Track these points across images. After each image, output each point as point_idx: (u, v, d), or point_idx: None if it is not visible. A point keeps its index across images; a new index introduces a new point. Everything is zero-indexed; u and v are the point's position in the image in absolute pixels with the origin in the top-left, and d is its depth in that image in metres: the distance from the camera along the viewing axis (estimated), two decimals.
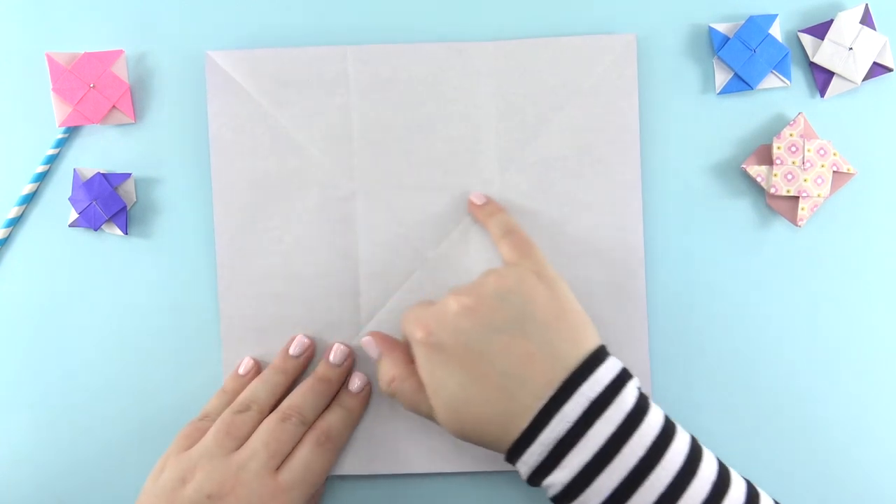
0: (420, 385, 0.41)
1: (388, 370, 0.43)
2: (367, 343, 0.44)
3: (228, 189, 0.47)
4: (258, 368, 0.46)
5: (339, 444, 0.44)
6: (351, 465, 0.46)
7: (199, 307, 0.47)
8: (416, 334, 0.40)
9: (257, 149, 0.47)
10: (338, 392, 0.46)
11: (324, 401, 0.45)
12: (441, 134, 0.47)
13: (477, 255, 0.47)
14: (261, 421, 0.43)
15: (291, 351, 0.46)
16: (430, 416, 0.41)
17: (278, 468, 0.42)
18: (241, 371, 0.46)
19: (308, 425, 0.43)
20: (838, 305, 0.47)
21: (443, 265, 0.47)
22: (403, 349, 0.43)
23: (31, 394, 0.47)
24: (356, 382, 0.46)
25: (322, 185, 0.47)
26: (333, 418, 0.44)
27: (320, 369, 0.45)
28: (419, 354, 0.41)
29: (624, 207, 0.47)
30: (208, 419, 0.43)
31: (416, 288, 0.47)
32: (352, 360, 0.46)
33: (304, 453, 0.42)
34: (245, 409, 0.43)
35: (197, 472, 0.41)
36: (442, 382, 0.40)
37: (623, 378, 0.39)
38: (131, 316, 0.47)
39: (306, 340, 0.46)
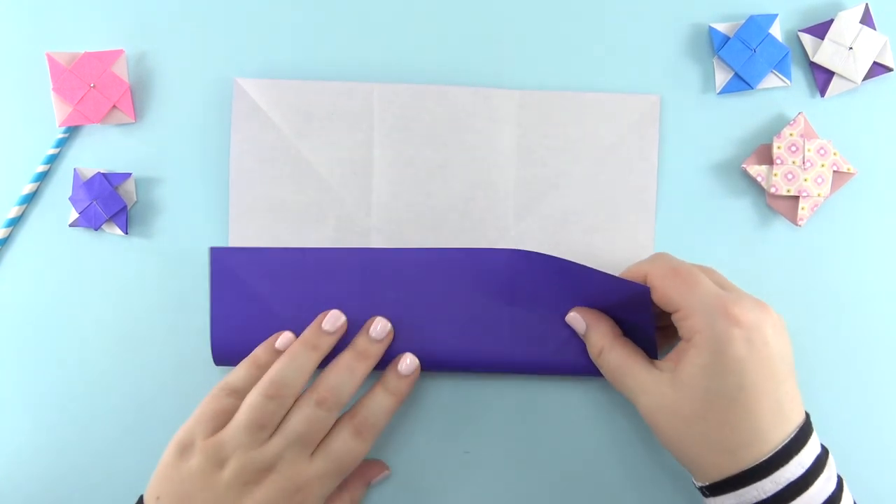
0: (625, 358, 0.42)
1: (597, 342, 0.43)
2: (572, 318, 0.44)
3: (246, 215, 0.47)
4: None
5: (377, 433, 0.43)
6: None
7: (199, 307, 0.47)
8: (735, 315, 0.38)
9: (277, 178, 0.46)
10: (379, 372, 0.44)
11: (360, 380, 0.43)
12: (460, 178, 0.47)
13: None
14: (291, 404, 0.41)
15: (325, 326, 0.44)
16: (632, 391, 0.41)
17: (313, 453, 0.41)
18: (278, 345, 0.44)
19: (343, 407, 0.42)
20: (838, 305, 0.48)
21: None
22: (608, 321, 0.43)
23: (30, 394, 0.47)
24: (406, 363, 0.44)
25: (339, 218, 0.47)
26: (375, 406, 0.43)
27: (360, 343, 0.44)
28: (720, 334, 0.38)
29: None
30: (235, 395, 0.42)
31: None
32: (391, 336, 0.44)
33: (341, 443, 0.42)
34: (276, 395, 0.41)
35: (231, 461, 0.40)
36: (721, 371, 0.38)
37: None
38: (131, 316, 0.47)
39: (343, 317, 0.44)
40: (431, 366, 0.45)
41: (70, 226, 0.47)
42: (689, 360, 0.39)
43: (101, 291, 0.47)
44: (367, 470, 0.46)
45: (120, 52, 0.47)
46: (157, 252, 0.47)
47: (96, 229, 0.47)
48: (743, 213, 0.48)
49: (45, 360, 0.47)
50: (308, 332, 0.44)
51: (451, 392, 0.47)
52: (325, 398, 0.41)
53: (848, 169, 0.46)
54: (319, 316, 0.44)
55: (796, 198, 0.46)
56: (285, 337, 0.44)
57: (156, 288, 0.47)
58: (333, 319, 0.44)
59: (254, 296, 0.45)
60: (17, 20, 0.47)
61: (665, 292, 0.40)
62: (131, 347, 0.47)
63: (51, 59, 0.46)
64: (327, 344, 0.43)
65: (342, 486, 0.44)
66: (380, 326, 0.44)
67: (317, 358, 0.43)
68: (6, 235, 0.47)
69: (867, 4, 0.47)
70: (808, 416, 0.40)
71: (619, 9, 0.48)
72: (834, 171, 0.46)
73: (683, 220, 0.47)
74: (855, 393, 0.47)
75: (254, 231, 0.47)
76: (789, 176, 0.46)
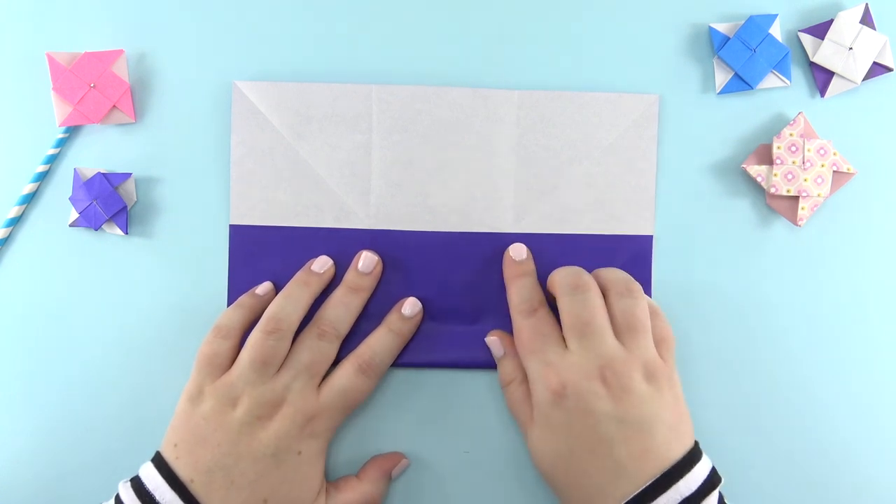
0: (522, 401, 0.43)
1: (509, 372, 0.44)
2: (492, 342, 0.45)
3: (245, 216, 0.47)
4: (274, 294, 0.46)
5: (381, 371, 0.45)
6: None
7: (199, 307, 0.47)
8: (550, 381, 0.40)
9: (277, 180, 0.47)
10: (382, 312, 0.46)
11: (355, 312, 0.45)
12: (459, 179, 0.47)
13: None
14: (291, 339, 0.43)
15: (314, 267, 0.46)
16: (524, 429, 0.43)
17: (319, 386, 0.43)
18: (259, 292, 0.46)
19: (342, 338, 0.44)
20: (838, 305, 0.48)
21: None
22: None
23: (31, 394, 0.47)
24: (409, 307, 0.46)
25: (338, 220, 0.47)
26: (379, 344, 0.45)
27: (350, 278, 0.45)
28: (543, 400, 0.41)
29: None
30: (228, 337, 0.44)
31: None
32: (380, 268, 0.46)
33: (345, 380, 0.43)
34: (275, 329, 0.43)
35: (243, 399, 0.42)
36: (553, 434, 0.41)
37: (713, 482, 0.40)
38: (131, 316, 0.47)
39: (330, 261, 0.46)
40: (436, 343, 0.46)
41: (70, 226, 0.47)
42: (531, 429, 0.42)
43: (101, 291, 0.47)
44: (384, 462, 0.46)
45: (120, 52, 0.47)
46: (157, 252, 0.47)
47: (96, 229, 0.47)
48: (743, 213, 0.48)
49: (45, 360, 0.47)
50: (300, 273, 0.46)
51: (450, 392, 0.47)
52: (324, 331, 0.44)
53: (848, 169, 0.46)
54: (310, 260, 0.46)
55: (796, 198, 0.46)
56: (264, 285, 0.46)
57: (155, 288, 0.47)
58: (322, 262, 0.46)
59: (267, 271, 0.47)
60: (17, 20, 0.47)
61: (519, 358, 0.43)
62: (131, 347, 0.47)
63: (51, 59, 0.46)
64: (318, 282, 0.45)
65: (361, 478, 0.45)
66: (367, 260, 0.46)
67: (309, 294, 0.45)
68: (6, 235, 0.47)
69: (867, 4, 0.47)
70: (675, 466, 0.39)
71: (619, 9, 0.48)
72: (834, 171, 0.46)
73: (683, 220, 0.47)
74: (854, 392, 0.47)
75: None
76: (789, 176, 0.46)
